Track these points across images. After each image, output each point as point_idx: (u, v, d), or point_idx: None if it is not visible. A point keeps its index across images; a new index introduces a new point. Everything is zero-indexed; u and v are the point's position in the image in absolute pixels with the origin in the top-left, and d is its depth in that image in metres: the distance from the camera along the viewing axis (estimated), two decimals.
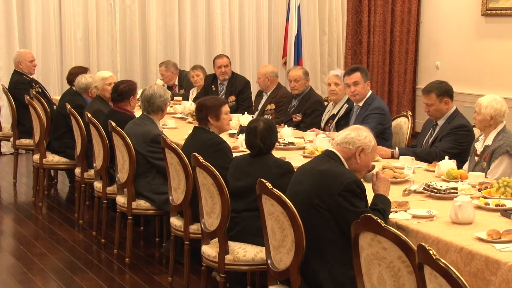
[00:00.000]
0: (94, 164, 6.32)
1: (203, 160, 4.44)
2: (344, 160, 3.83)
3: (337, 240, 3.66)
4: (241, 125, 6.53)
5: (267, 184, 3.74)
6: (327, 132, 6.40)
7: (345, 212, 3.61)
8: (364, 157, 3.86)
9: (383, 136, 6.20)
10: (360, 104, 6.39)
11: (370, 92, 6.43)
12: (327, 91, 7.18)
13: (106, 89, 6.81)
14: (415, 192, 4.30)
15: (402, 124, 6.65)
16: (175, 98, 8.68)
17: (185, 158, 4.82)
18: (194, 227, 4.90)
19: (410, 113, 6.79)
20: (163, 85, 8.34)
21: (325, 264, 3.66)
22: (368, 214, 3.15)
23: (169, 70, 9.48)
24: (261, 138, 4.46)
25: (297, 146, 5.91)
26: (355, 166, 3.85)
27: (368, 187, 3.89)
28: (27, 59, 8.41)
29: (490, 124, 5.03)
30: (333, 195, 3.63)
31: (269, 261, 3.91)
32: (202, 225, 4.58)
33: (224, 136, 5.47)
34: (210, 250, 4.48)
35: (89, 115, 6.26)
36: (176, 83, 9.55)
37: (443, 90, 5.67)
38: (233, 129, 6.68)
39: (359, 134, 3.86)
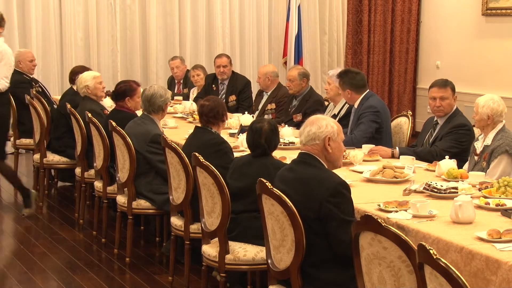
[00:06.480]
0: (95, 164, 6.32)
1: (204, 160, 4.44)
2: (318, 157, 3.77)
3: (330, 248, 3.64)
4: (241, 124, 6.53)
5: (267, 183, 3.74)
6: None
7: (332, 218, 3.57)
8: (334, 143, 3.78)
9: (379, 135, 6.19)
10: (356, 105, 6.40)
11: (365, 92, 6.39)
12: None
13: (98, 88, 6.79)
14: (415, 191, 4.30)
15: (402, 124, 6.65)
16: (175, 97, 8.69)
17: (185, 157, 4.82)
18: (194, 227, 4.90)
19: (410, 112, 6.78)
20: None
21: (321, 270, 3.64)
22: (369, 214, 3.14)
23: (183, 64, 9.50)
24: (265, 138, 4.46)
25: (298, 146, 5.88)
26: (330, 156, 3.79)
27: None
28: (27, 58, 8.39)
29: (488, 123, 5.03)
30: (321, 202, 3.58)
31: (269, 261, 3.91)
32: (203, 225, 4.58)
33: (224, 135, 5.47)
34: (210, 249, 4.48)
35: (90, 115, 6.26)
36: (181, 81, 9.54)
37: (454, 87, 5.70)
38: (233, 129, 6.69)
39: (319, 126, 3.78)
